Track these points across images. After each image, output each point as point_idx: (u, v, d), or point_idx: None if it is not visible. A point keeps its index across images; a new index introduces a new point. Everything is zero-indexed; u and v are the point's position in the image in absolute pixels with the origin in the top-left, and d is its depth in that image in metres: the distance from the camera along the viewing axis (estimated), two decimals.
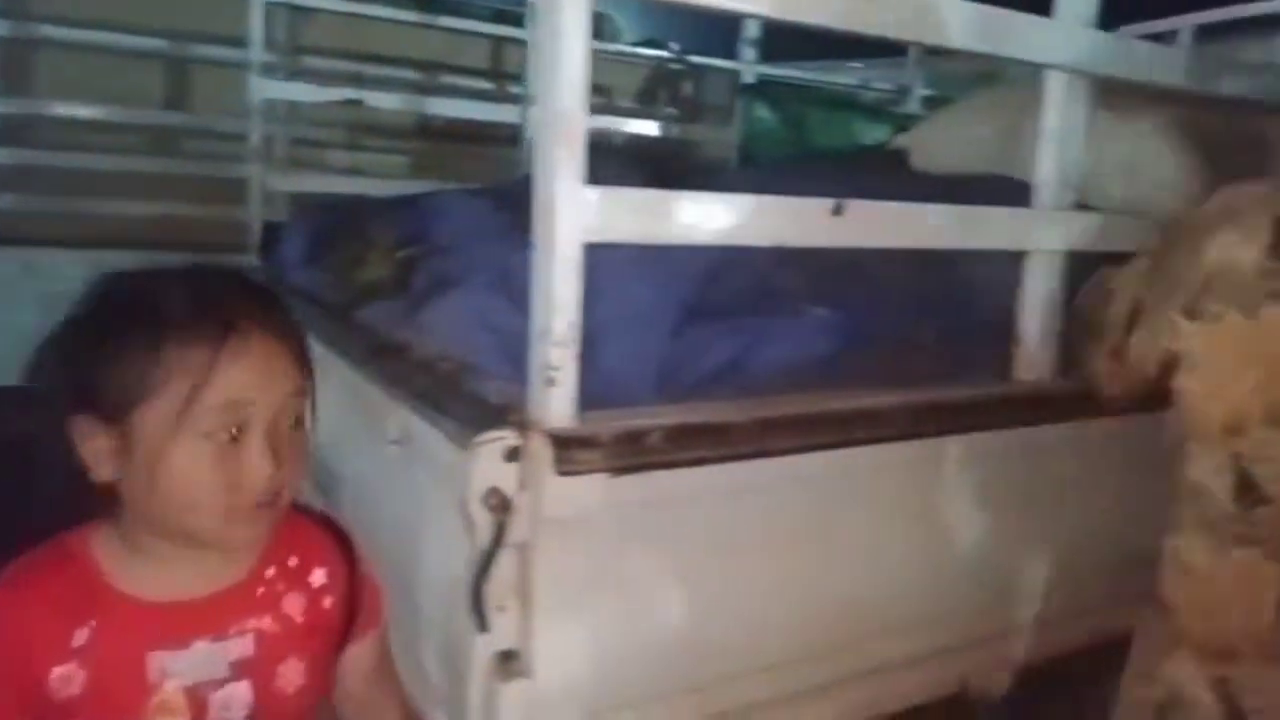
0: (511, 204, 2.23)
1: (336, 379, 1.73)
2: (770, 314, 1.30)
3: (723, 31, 4.41)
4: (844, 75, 4.43)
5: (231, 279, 0.80)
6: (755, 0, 1.19)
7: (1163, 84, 1.63)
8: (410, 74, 4.62)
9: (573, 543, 1.12)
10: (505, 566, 1.11)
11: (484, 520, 1.09)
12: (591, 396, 1.13)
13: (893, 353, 1.45)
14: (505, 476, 1.10)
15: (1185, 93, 1.73)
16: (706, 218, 1.17)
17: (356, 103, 3.58)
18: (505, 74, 4.70)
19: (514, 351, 1.25)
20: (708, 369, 1.24)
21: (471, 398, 1.23)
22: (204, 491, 0.73)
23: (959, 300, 1.56)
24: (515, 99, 3.83)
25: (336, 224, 2.25)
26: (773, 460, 1.24)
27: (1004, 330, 1.58)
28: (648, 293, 1.24)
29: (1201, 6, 3.21)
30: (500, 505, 1.09)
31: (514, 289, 1.33)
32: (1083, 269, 1.56)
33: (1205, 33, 3.21)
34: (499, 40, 4.54)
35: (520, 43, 3.80)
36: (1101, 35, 1.51)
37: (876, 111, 3.78)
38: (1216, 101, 1.76)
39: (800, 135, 3.47)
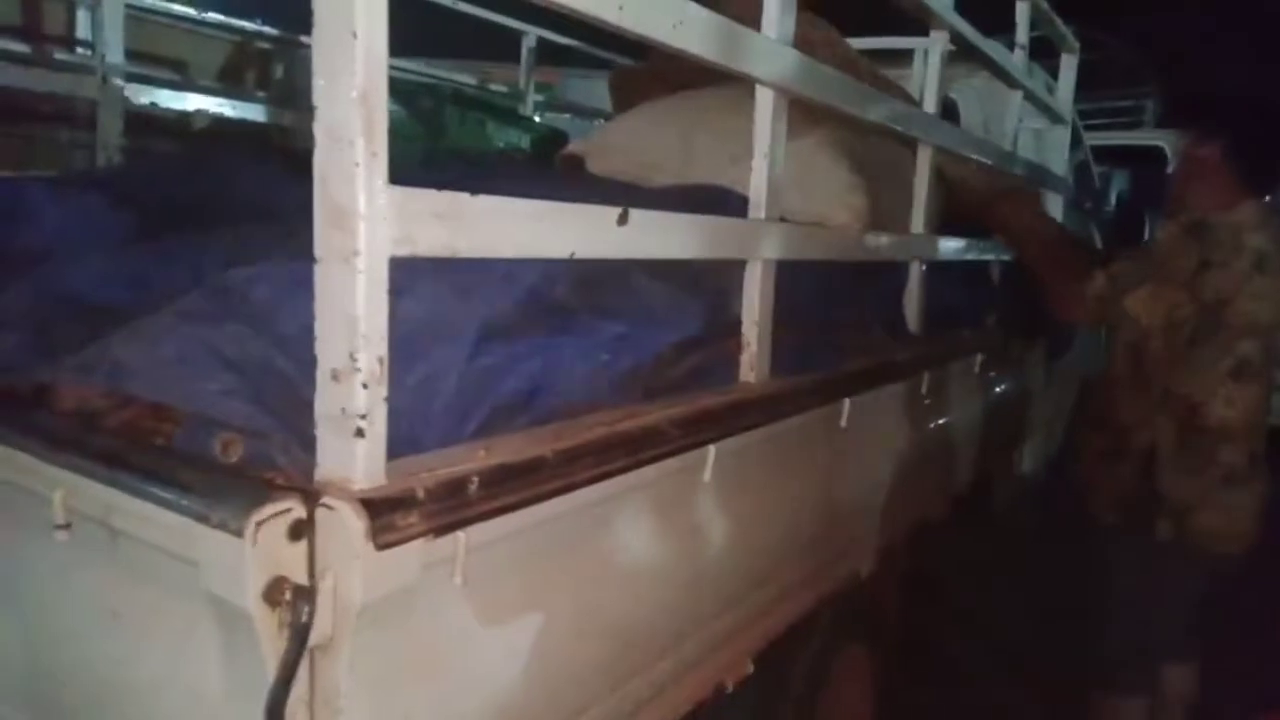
0: (132, 199, 1.80)
1: None
2: (563, 331, 1.18)
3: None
4: (462, 73, 4.32)
5: None
6: None
7: (840, 108, 1.81)
8: None
9: (388, 628, 0.91)
10: (300, 677, 0.86)
11: (270, 624, 0.84)
12: None
13: (650, 366, 1.41)
14: (292, 561, 0.86)
15: (840, 115, 1.95)
16: (512, 225, 1.02)
17: None
18: (47, 36, 3.80)
19: (265, 393, 0.98)
20: (505, 397, 1.09)
21: (211, 460, 0.94)
22: None
23: (691, 309, 1.57)
24: (74, 68, 3.10)
25: None
26: (577, 493, 1.13)
27: (723, 335, 1.63)
28: (441, 309, 1.04)
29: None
30: (296, 599, 0.84)
31: (245, 312, 1.04)
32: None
33: None
34: None
35: None
36: (803, 56, 1.62)
37: (505, 113, 3.72)
38: (861, 126, 2.01)
39: (436, 133, 3.28)
